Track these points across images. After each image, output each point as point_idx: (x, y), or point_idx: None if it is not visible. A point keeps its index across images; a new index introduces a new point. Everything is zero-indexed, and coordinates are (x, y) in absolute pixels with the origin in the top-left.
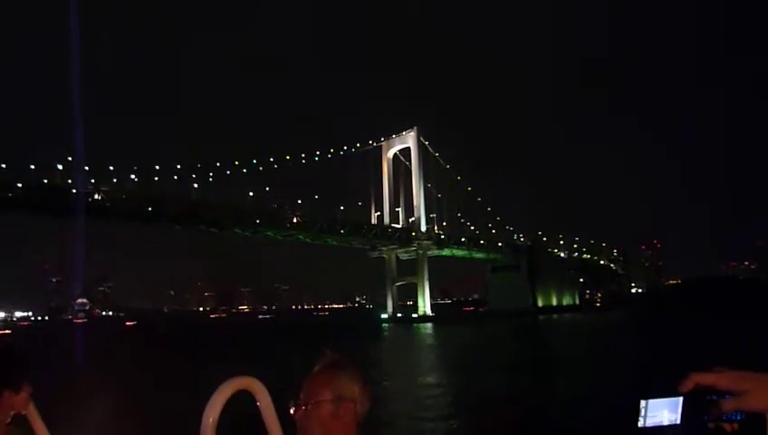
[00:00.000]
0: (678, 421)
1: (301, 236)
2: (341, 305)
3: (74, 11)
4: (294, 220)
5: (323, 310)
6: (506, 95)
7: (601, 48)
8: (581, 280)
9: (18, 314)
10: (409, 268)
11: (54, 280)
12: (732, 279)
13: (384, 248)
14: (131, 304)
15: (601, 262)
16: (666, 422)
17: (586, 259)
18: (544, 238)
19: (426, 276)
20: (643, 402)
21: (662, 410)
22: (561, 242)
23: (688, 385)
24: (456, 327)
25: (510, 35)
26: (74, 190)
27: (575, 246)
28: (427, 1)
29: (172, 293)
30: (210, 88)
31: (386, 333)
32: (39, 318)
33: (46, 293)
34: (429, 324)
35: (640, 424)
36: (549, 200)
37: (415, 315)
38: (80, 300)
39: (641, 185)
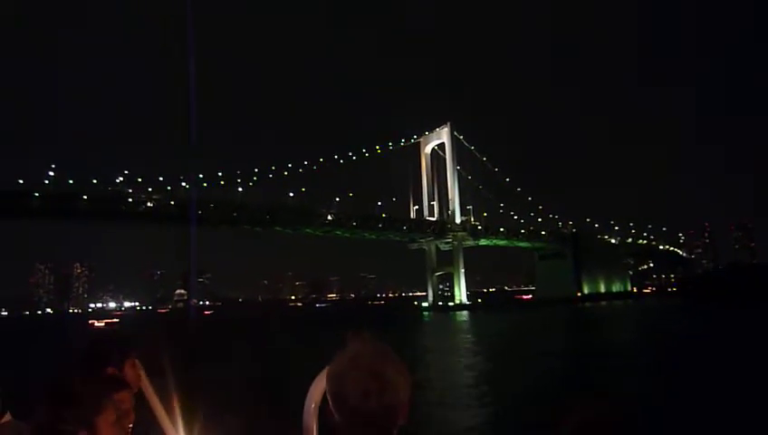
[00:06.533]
0: None
1: (338, 232)
2: (423, 293)
3: (191, 28)
4: (330, 218)
5: (380, 299)
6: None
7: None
8: (651, 264)
9: (127, 304)
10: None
11: (159, 273)
12: None
13: (423, 241)
14: (227, 293)
15: (660, 247)
16: None
17: (642, 244)
18: (595, 225)
19: (461, 266)
20: None
21: None
22: (617, 228)
23: None
24: (486, 315)
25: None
26: (129, 200)
27: (633, 232)
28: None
29: (266, 282)
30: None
31: (426, 320)
32: (144, 308)
33: (152, 285)
34: (465, 312)
35: None
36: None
37: (451, 304)
38: (178, 291)
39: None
